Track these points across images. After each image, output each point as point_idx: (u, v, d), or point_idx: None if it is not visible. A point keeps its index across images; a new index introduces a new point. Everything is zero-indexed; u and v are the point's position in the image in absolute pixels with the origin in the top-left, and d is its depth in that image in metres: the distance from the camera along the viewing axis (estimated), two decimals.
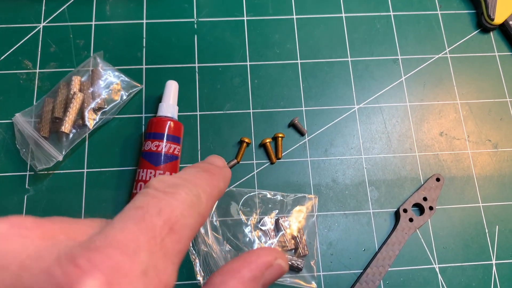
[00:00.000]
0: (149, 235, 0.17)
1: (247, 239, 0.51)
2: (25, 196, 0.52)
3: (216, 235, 0.50)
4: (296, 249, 0.51)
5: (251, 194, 0.53)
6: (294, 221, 0.52)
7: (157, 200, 0.19)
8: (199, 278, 0.48)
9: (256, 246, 0.51)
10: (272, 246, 0.50)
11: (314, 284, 0.50)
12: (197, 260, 0.48)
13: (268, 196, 0.53)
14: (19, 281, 0.14)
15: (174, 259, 0.18)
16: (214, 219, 0.50)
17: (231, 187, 0.53)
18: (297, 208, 0.53)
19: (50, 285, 0.14)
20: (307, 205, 0.53)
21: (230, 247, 0.50)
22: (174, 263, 0.18)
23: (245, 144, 0.54)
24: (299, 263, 0.50)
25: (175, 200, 0.19)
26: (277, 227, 0.52)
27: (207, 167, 0.24)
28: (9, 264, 0.15)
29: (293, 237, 0.51)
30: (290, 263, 0.50)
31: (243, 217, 0.52)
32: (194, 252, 0.48)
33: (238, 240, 0.51)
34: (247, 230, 0.51)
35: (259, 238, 0.51)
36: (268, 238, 0.51)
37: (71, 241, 0.16)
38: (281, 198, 0.53)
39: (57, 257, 0.15)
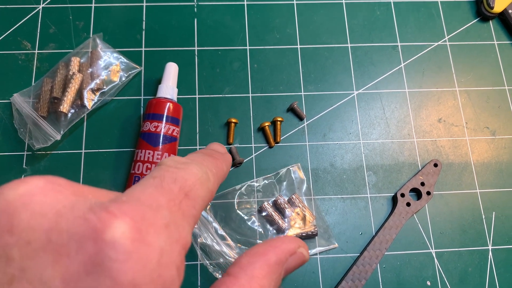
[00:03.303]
0: (167, 197, 0.19)
1: (255, 231, 0.51)
2: (22, 176, 0.52)
3: (226, 242, 0.50)
4: (304, 218, 0.51)
5: (242, 188, 0.53)
6: (290, 195, 0.52)
7: (171, 172, 0.20)
8: None
9: (269, 234, 0.51)
10: (285, 226, 0.51)
11: (335, 244, 0.51)
12: (218, 274, 0.48)
13: (257, 184, 0.53)
14: (57, 225, 0.16)
15: (190, 221, 0.20)
16: (219, 229, 0.50)
17: (220, 192, 0.52)
18: (287, 182, 0.53)
19: (85, 228, 0.15)
20: (294, 175, 0.53)
21: (242, 246, 0.50)
22: (190, 225, 0.19)
23: (233, 125, 0.54)
24: (312, 230, 0.50)
25: (187, 174, 0.21)
26: (278, 208, 0.52)
27: (210, 153, 0.26)
28: (47, 212, 0.16)
29: (297, 211, 0.51)
30: (304, 233, 0.51)
31: (242, 214, 0.52)
32: (216, 268, 0.48)
33: (247, 237, 0.51)
34: (251, 223, 0.51)
35: (265, 226, 0.51)
36: (274, 223, 0.51)
37: (98, 200, 0.18)
38: (269, 181, 0.53)
39: (90, 207, 0.16)
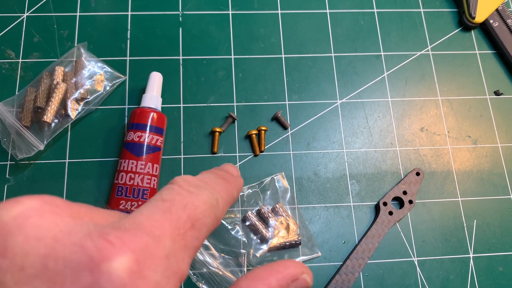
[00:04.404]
0: (173, 226, 0.18)
1: (239, 241, 0.51)
2: (5, 186, 0.52)
3: (210, 252, 0.50)
4: (287, 227, 0.52)
5: None
6: (273, 204, 0.53)
7: (182, 196, 0.20)
8: None
9: (253, 243, 0.51)
10: (269, 236, 0.51)
11: (319, 252, 0.52)
12: (201, 284, 0.48)
13: (241, 193, 0.53)
14: (53, 251, 0.15)
15: (191, 253, 0.19)
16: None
17: None
18: (271, 191, 0.54)
19: (83, 256, 0.15)
20: (278, 184, 0.54)
21: (226, 255, 0.50)
22: (190, 256, 0.19)
23: (217, 134, 0.55)
24: (296, 239, 0.51)
25: (198, 200, 0.20)
26: (262, 217, 0.52)
27: (223, 175, 0.25)
28: (43, 236, 0.15)
29: (281, 220, 0.52)
30: (288, 242, 0.51)
31: (226, 224, 0.52)
32: (199, 278, 0.48)
33: (231, 246, 0.51)
34: (235, 233, 0.52)
35: (249, 235, 0.52)
36: (258, 232, 0.51)
37: (97, 223, 0.17)
38: (253, 190, 0.54)
39: (88, 233, 0.16)
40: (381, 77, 0.60)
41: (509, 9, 0.62)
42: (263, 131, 0.55)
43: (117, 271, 0.15)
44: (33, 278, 0.15)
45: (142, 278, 0.15)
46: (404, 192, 0.54)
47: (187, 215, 0.19)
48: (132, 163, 0.50)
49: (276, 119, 0.57)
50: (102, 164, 0.53)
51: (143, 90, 0.55)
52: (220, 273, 0.48)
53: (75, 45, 0.58)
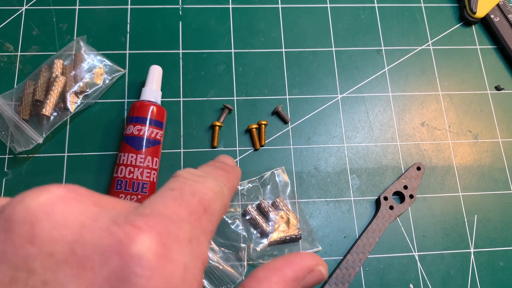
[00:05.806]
0: (188, 211, 0.18)
1: (239, 235, 0.51)
2: (4, 180, 0.51)
3: (210, 246, 0.49)
4: (288, 221, 0.51)
5: None
6: (274, 198, 0.52)
7: (189, 185, 0.20)
8: None
9: (253, 237, 0.51)
10: (269, 230, 0.51)
11: (319, 247, 0.52)
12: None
13: (241, 187, 0.53)
14: (81, 237, 0.15)
15: (209, 236, 0.19)
16: None
17: None
18: (271, 185, 0.53)
19: (111, 241, 0.15)
20: (278, 178, 0.54)
21: (226, 249, 0.50)
22: (208, 240, 0.19)
23: (217, 128, 0.54)
24: (296, 233, 0.51)
25: (205, 187, 0.20)
26: (262, 211, 0.52)
27: (221, 166, 0.26)
28: (70, 223, 0.15)
29: (281, 214, 0.51)
30: (288, 237, 0.51)
31: (226, 218, 0.52)
32: None
33: (231, 240, 0.51)
34: (235, 227, 0.51)
35: (249, 229, 0.51)
36: (258, 226, 0.51)
37: (120, 211, 0.17)
38: (254, 184, 0.53)
39: (113, 220, 0.16)
40: (381, 71, 0.60)
41: (510, 4, 0.61)
42: (263, 126, 0.55)
43: (145, 254, 0.15)
44: (62, 264, 0.15)
45: (171, 262, 0.15)
46: (405, 187, 0.54)
47: (198, 201, 0.19)
48: (132, 157, 0.50)
49: (276, 113, 0.56)
50: (101, 157, 0.53)
51: (142, 84, 0.55)
52: (220, 267, 0.47)
53: (74, 38, 0.57)
